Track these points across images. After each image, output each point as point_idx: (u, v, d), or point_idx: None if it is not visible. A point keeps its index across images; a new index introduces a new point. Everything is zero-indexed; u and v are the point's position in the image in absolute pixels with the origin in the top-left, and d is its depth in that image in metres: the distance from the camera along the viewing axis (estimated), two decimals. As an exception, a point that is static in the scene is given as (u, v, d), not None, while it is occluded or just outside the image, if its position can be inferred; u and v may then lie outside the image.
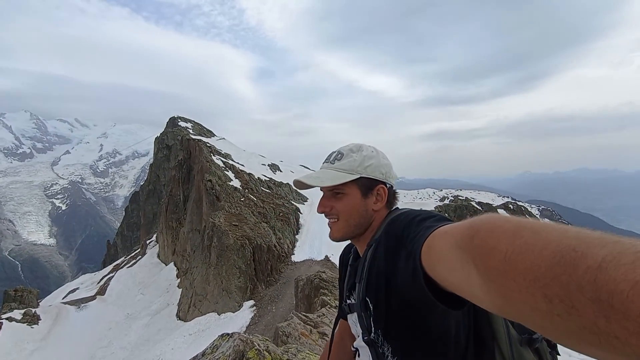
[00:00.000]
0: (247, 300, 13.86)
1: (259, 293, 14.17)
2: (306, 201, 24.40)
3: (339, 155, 0.97)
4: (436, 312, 0.74)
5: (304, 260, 16.07)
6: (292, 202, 22.35)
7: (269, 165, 31.74)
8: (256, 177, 23.59)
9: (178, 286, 19.46)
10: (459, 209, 37.48)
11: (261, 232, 16.11)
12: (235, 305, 13.77)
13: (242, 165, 25.84)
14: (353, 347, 0.97)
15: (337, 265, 1.23)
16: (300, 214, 21.07)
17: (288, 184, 24.96)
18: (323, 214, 0.98)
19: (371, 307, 0.84)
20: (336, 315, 1.22)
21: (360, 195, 0.93)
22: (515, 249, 0.40)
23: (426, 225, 0.68)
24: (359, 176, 0.92)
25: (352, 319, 0.98)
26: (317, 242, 17.59)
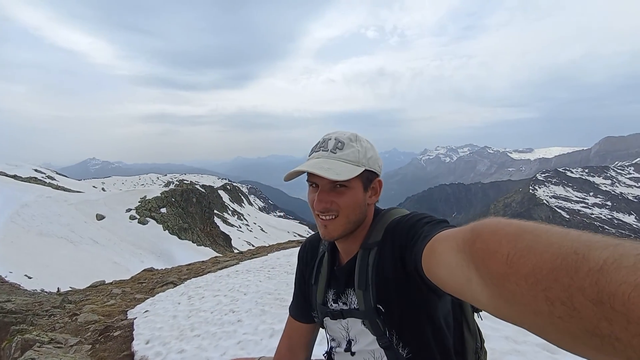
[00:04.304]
0: None
1: None
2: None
3: (340, 144, 0.87)
4: (441, 307, 0.83)
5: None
6: None
7: None
8: None
9: None
10: (186, 193, 37.60)
11: None
12: None
13: None
14: (349, 351, 0.93)
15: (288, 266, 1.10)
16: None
17: None
18: (320, 211, 0.86)
19: (384, 312, 0.84)
20: (288, 321, 1.12)
21: (362, 189, 0.88)
22: (517, 252, 0.40)
23: (428, 229, 0.70)
24: (364, 169, 0.86)
25: (341, 324, 0.95)
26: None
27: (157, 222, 28.99)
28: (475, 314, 0.96)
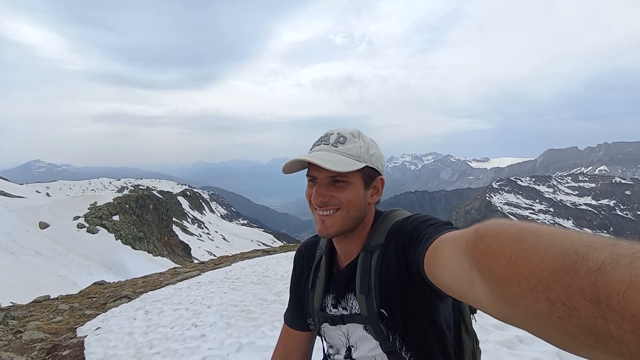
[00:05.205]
0: None
1: None
2: None
3: (342, 139, 0.86)
4: (443, 309, 0.84)
5: None
6: None
7: None
8: None
9: None
10: (141, 199, 35.52)
11: None
12: None
13: None
14: (350, 358, 0.91)
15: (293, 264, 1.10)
16: None
17: None
18: (318, 205, 0.84)
19: (387, 316, 0.82)
20: (283, 330, 1.09)
21: (363, 186, 0.85)
22: (519, 253, 0.40)
23: (432, 231, 0.70)
24: (365, 165, 0.84)
25: (340, 330, 0.91)
26: None
27: (109, 230, 27.10)
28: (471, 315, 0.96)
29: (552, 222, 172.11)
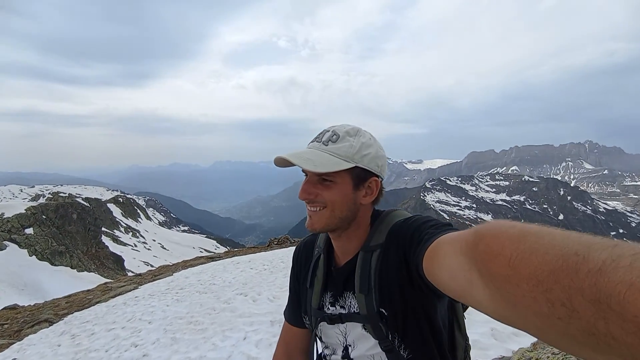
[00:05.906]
0: None
1: None
2: None
3: (334, 137, 0.84)
4: (440, 308, 0.85)
5: None
6: None
7: None
8: None
9: None
10: (62, 208, 31.45)
11: None
12: None
13: None
14: (347, 357, 0.90)
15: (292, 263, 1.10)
16: None
17: None
18: (303, 200, 0.85)
19: (387, 316, 0.82)
20: (284, 327, 1.08)
21: (351, 186, 0.84)
22: (519, 254, 0.39)
23: (432, 232, 0.70)
24: (354, 165, 0.82)
25: (338, 329, 0.91)
26: None
27: (20, 246, 23.58)
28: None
29: (475, 217, 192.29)
